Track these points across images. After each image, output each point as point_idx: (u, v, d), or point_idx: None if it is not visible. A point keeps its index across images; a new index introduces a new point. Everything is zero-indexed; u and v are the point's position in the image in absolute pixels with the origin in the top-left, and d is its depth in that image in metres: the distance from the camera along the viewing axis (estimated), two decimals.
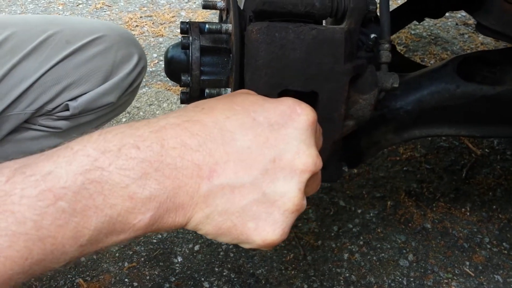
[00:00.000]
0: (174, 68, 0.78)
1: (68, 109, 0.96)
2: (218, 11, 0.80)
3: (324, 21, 0.76)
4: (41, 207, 0.40)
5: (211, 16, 2.45)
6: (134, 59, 1.01)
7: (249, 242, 0.47)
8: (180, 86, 0.75)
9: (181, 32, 0.76)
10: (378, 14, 0.78)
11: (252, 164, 0.46)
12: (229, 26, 0.71)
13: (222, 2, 0.77)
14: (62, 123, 0.98)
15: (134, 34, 2.30)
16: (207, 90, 0.71)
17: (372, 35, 0.73)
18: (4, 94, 0.90)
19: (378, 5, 0.77)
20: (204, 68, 0.73)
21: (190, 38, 0.73)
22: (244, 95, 0.53)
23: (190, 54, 0.72)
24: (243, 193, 0.45)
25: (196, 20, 2.20)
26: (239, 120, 0.47)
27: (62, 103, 0.96)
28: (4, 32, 0.91)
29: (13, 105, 0.92)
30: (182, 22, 0.76)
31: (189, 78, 0.73)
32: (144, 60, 1.05)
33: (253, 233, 0.46)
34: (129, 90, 1.03)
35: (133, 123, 0.46)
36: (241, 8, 0.76)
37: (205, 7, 0.77)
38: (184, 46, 0.74)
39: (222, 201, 0.45)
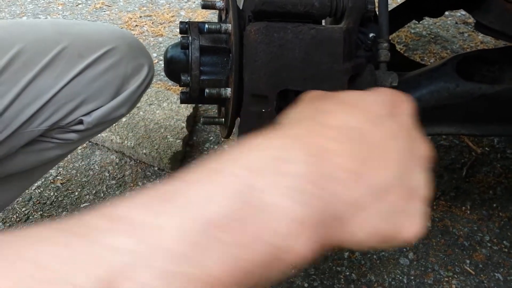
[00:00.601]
0: (174, 68, 0.78)
1: (81, 123, 0.96)
2: (217, 11, 0.81)
3: (323, 21, 0.76)
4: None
5: (211, 15, 2.45)
6: (144, 71, 1.02)
7: (399, 239, 0.44)
8: (180, 86, 0.76)
9: (181, 32, 0.76)
10: (378, 13, 0.78)
11: (389, 159, 0.44)
12: (228, 26, 0.71)
13: (221, 2, 0.77)
14: (73, 135, 0.98)
15: (134, 34, 2.30)
16: (206, 90, 0.72)
17: (371, 34, 0.74)
18: (19, 111, 0.89)
19: (377, 4, 0.78)
20: (203, 68, 0.73)
21: (190, 38, 0.73)
22: (342, 94, 0.50)
23: (190, 54, 0.73)
24: (390, 190, 0.43)
25: (196, 20, 2.20)
26: (362, 118, 0.45)
27: (75, 119, 0.96)
28: (15, 45, 0.89)
29: (27, 123, 0.90)
30: (181, 22, 0.76)
31: (188, 78, 0.73)
32: (152, 69, 1.05)
33: (405, 228, 0.44)
34: (138, 100, 1.05)
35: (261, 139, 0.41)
36: (240, 8, 0.76)
37: (204, 7, 0.77)
38: (184, 46, 0.74)
39: (374, 202, 0.42)
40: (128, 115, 1.67)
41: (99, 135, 1.60)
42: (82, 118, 0.96)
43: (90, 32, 0.99)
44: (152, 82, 1.93)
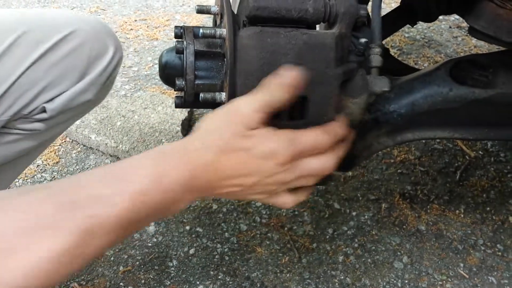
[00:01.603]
0: (169, 73, 0.78)
1: (45, 111, 0.93)
2: (212, 15, 0.81)
3: (317, 26, 0.77)
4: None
5: (206, 19, 2.45)
6: (110, 53, 0.97)
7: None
8: (175, 91, 0.76)
9: (175, 37, 0.76)
10: (371, 18, 0.79)
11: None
12: (223, 31, 0.71)
13: (216, 7, 0.77)
14: (39, 125, 0.95)
15: (129, 38, 2.30)
16: (201, 94, 0.72)
17: (363, 40, 0.74)
18: None
19: (370, 9, 0.78)
20: (198, 73, 0.74)
21: (185, 42, 0.73)
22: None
23: (185, 59, 0.73)
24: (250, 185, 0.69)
25: (191, 24, 2.18)
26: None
27: (38, 106, 0.92)
28: None
29: None
30: (176, 27, 0.76)
31: (183, 82, 0.73)
32: (120, 51, 1.00)
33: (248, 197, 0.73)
34: (106, 83, 1.00)
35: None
36: (235, 12, 0.76)
37: (199, 11, 0.77)
38: (179, 51, 0.74)
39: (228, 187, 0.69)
40: (123, 118, 1.67)
41: (93, 139, 1.59)
42: (45, 105, 0.92)
43: (49, 17, 0.96)
44: (147, 86, 1.93)
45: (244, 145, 0.63)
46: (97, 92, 0.97)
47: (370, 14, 0.78)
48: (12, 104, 0.90)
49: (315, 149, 0.68)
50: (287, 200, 0.72)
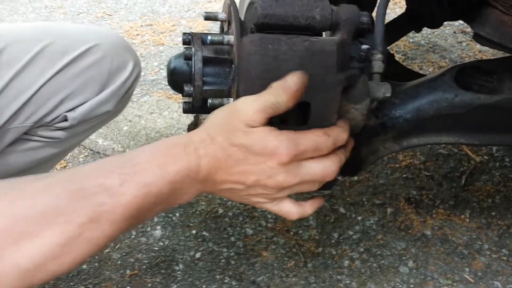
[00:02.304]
0: (177, 79, 0.79)
1: (66, 120, 0.97)
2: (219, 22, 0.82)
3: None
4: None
5: (211, 25, 2.47)
6: (130, 67, 1.01)
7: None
8: (183, 96, 0.76)
9: (184, 43, 0.77)
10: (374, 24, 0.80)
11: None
12: (231, 38, 0.72)
13: (223, 14, 0.78)
14: (60, 133, 0.98)
15: (135, 43, 2.32)
16: (209, 100, 0.73)
17: (365, 46, 0.75)
18: (3, 108, 0.90)
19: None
20: (206, 79, 0.74)
21: (193, 49, 0.74)
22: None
23: (193, 65, 0.74)
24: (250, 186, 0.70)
25: (196, 30, 2.19)
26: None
27: (60, 115, 0.96)
28: None
29: (11, 119, 0.92)
30: (184, 33, 0.77)
31: (191, 88, 0.74)
32: (138, 66, 1.05)
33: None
34: (126, 96, 1.04)
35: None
36: (242, 19, 0.77)
37: (207, 18, 0.78)
38: (187, 57, 0.75)
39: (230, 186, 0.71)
40: (130, 123, 1.68)
41: (100, 143, 1.61)
42: (66, 114, 0.96)
43: (73, 31, 1.00)
44: (153, 90, 1.95)
45: (244, 141, 0.64)
46: (116, 103, 1.01)
47: (375, 20, 0.79)
48: (35, 111, 0.93)
49: (317, 151, 0.67)
50: (292, 210, 0.72)
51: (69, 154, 1.64)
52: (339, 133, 0.71)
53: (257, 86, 0.68)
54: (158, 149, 0.64)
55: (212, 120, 0.68)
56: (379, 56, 0.75)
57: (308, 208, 0.73)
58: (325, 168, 0.69)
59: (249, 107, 0.65)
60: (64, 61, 0.94)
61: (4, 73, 0.90)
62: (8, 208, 0.56)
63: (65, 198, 0.58)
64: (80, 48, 0.95)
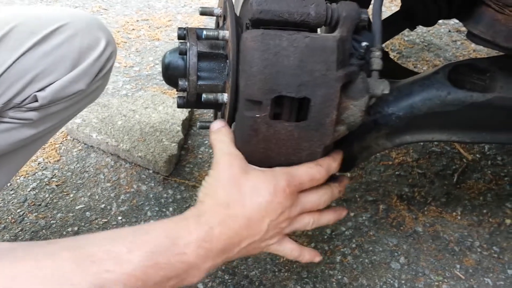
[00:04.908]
0: (172, 74, 0.79)
1: (37, 100, 0.95)
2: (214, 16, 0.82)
3: (319, 29, 0.78)
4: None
5: (207, 20, 2.47)
6: (102, 44, 0.99)
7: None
8: (177, 91, 0.77)
9: (179, 38, 0.77)
10: (372, 21, 0.80)
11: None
12: (226, 33, 0.72)
13: (219, 9, 0.79)
14: (32, 114, 0.96)
15: (131, 38, 2.31)
16: (204, 95, 0.73)
17: (364, 43, 0.75)
18: None
19: (371, 13, 0.79)
20: (201, 74, 0.75)
21: (188, 44, 0.75)
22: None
23: (188, 60, 0.74)
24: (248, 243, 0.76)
25: (192, 25, 2.19)
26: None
27: (30, 95, 0.94)
28: None
29: None
30: (179, 28, 0.77)
31: (186, 83, 0.75)
32: (112, 44, 1.02)
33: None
34: (99, 76, 1.02)
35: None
36: (237, 15, 0.78)
37: (202, 13, 0.79)
38: (182, 52, 0.76)
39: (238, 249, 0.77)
40: (124, 118, 1.68)
41: (94, 137, 1.61)
42: (36, 93, 0.94)
43: (42, 12, 0.98)
44: (148, 85, 1.95)
45: (246, 185, 0.71)
46: (89, 83, 0.99)
47: (370, 17, 0.79)
48: (3, 92, 0.91)
49: (313, 181, 0.75)
50: (293, 247, 0.82)
51: (63, 148, 1.64)
52: (331, 163, 0.78)
53: (258, 82, 0.68)
54: (168, 222, 0.68)
55: (213, 181, 0.75)
56: (378, 53, 0.76)
57: (307, 254, 0.85)
58: (320, 196, 0.78)
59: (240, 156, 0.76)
60: (33, 41, 0.92)
61: None
62: (31, 272, 0.59)
63: (72, 265, 0.60)
64: (48, 27, 0.93)
